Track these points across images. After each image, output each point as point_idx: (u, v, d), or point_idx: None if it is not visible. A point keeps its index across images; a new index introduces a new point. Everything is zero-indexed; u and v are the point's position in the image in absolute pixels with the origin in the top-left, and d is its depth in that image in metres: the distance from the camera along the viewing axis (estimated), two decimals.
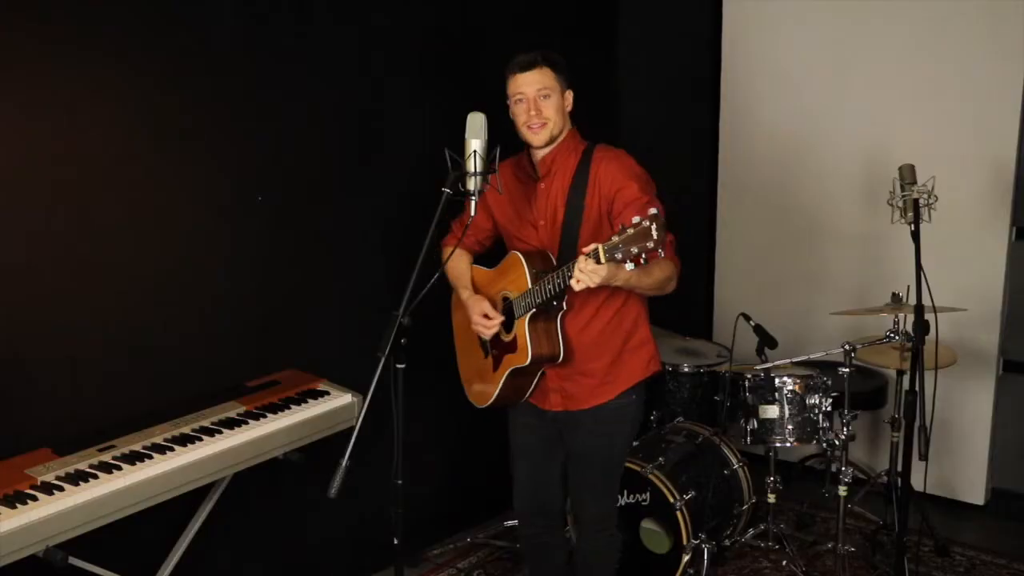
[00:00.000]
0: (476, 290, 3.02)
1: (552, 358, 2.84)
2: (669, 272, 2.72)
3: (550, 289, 2.70)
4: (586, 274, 2.46)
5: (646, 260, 2.42)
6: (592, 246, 2.45)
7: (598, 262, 2.43)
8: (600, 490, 3.05)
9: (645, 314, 2.97)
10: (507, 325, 2.90)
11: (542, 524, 3.16)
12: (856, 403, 3.69)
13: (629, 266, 2.41)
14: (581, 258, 2.47)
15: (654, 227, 2.37)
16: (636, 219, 2.39)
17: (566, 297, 2.79)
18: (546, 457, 3.07)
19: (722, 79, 4.65)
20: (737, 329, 3.74)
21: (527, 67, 2.78)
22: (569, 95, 2.86)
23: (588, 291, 2.62)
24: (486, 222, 3.07)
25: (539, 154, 2.88)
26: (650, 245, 2.38)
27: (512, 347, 2.87)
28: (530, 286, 2.78)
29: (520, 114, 2.82)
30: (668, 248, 2.72)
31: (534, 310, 2.78)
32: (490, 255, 3.10)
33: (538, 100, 2.79)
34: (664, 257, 2.64)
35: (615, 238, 2.42)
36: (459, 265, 3.08)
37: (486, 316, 2.89)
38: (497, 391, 2.94)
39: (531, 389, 2.96)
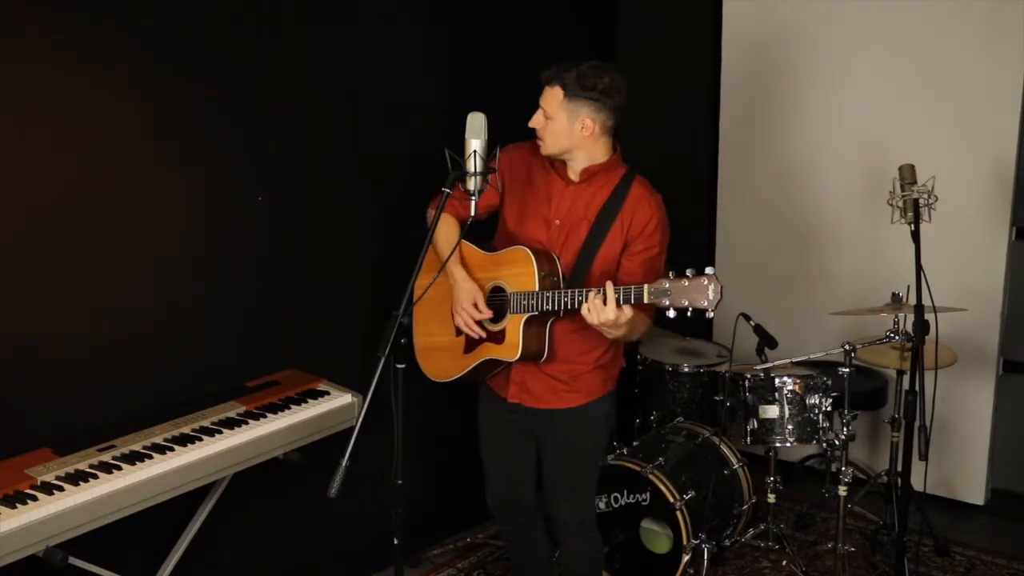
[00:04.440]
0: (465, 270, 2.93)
1: (537, 357, 2.83)
2: (645, 330, 2.79)
3: (563, 303, 2.66)
4: (595, 313, 2.53)
5: (693, 313, 2.43)
6: (642, 285, 2.49)
7: (625, 302, 2.50)
8: (576, 488, 3.02)
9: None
10: (494, 312, 2.86)
11: (519, 518, 3.15)
12: (856, 403, 3.68)
13: (672, 313, 2.45)
14: (610, 289, 2.51)
15: (711, 287, 2.39)
16: (691, 272, 2.42)
17: None
18: (518, 451, 3.05)
19: (722, 79, 4.65)
20: (737, 329, 3.74)
21: (544, 82, 2.77)
22: (587, 120, 2.73)
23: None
24: (494, 198, 2.94)
25: (580, 161, 2.83)
26: (703, 304, 2.39)
27: (499, 338, 2.84)
28: (537, 290, 2.74)
29: None
30: (650, 312, 2.74)
31: (535, 314, 2.76)
32: (474, 230, 2.98)
33: (543, 117, 2.78)
34: (647, 318, 2.72)
35: (666, 283, 2.44)
36: (449, 232, 2.91)
37: (475, 308, 2.83)
38: (463, 373, 2.95)
39: (495, 372, 2.95)
